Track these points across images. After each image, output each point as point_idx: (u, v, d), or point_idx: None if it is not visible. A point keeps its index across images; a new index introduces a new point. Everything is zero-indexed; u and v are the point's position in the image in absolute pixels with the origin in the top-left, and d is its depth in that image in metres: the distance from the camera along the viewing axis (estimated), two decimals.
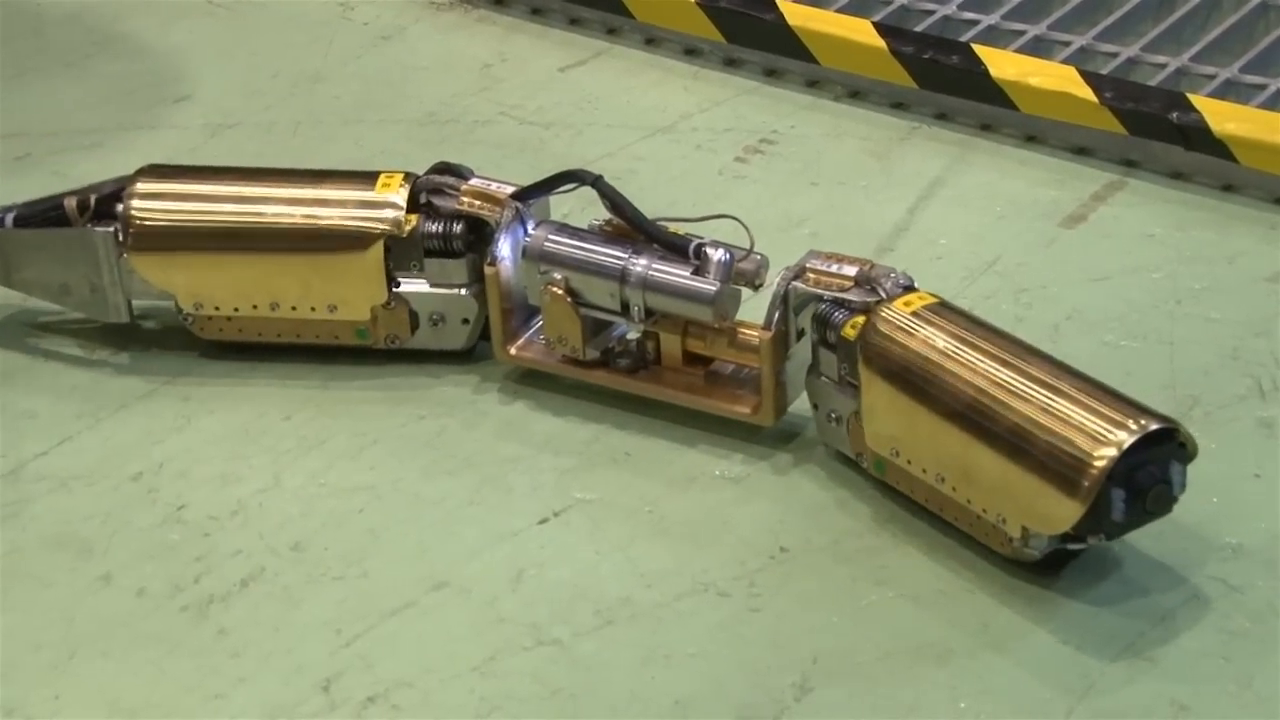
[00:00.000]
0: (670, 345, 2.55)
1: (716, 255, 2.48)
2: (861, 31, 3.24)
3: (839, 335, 2.41)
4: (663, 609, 2.27)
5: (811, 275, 2.46)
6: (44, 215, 2.67)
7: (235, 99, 3.34)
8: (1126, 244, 2.88)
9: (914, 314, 2.37)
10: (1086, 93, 3.06)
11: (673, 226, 2.53)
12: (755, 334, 2.48)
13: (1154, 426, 2.20)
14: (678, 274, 2.49)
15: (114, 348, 2.72)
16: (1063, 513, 2.19)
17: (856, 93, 3.28)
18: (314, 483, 2.48)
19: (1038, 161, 3.09)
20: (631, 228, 2.54)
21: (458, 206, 2.62)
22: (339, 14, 3.59)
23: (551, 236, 2.56)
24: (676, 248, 2.51)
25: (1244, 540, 2.32)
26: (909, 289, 2.43)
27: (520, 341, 2.63)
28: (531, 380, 2.63)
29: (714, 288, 2.47)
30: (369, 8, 3.59)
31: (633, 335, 2.59)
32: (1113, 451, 2.18)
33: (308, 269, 2.62)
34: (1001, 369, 2.29)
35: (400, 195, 2.62)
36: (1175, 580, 2.27)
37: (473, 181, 2.64)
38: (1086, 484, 2.17)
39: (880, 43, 3.22)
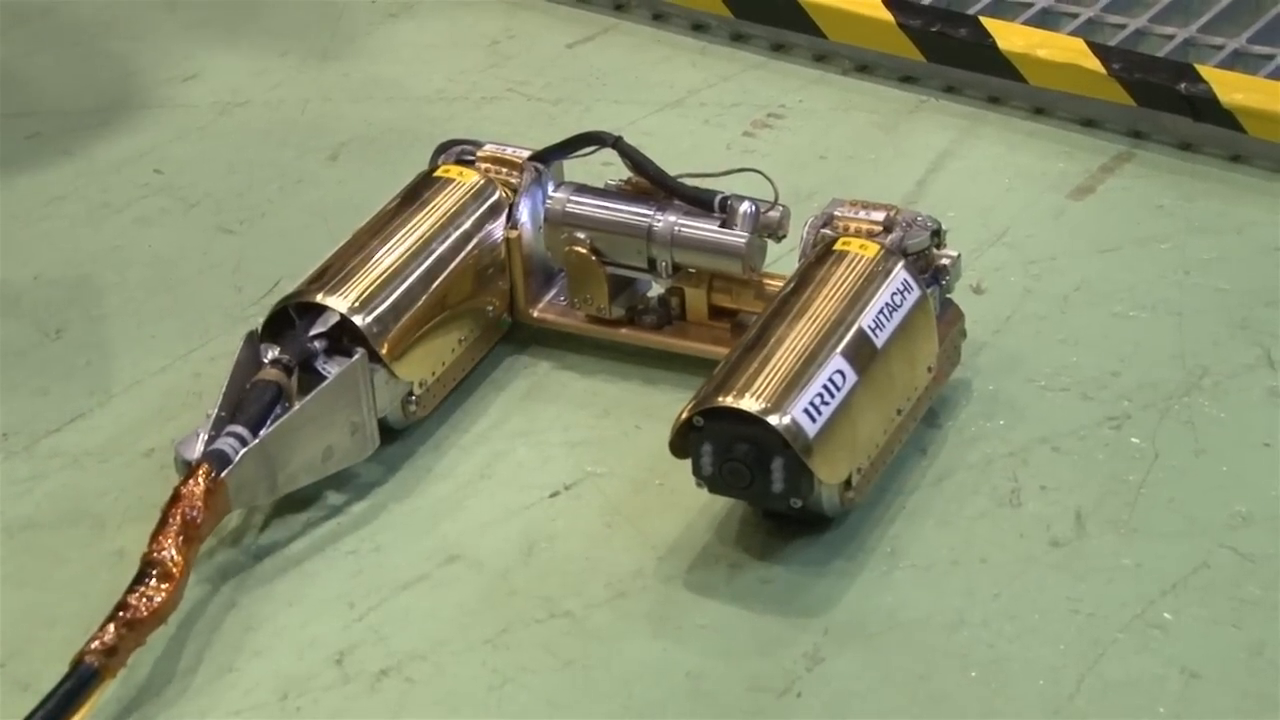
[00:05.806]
0: (695, 300, 2.56)
1: (743, 208, 2.49)
2: (869, 5, 3.24)
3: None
4: (674, 581, 2.28)
5: (840, 222, 2.48)
6: (265, 402, 2.31)
7: (243, 77, 3.34)
8: (1135, 215, 2.88)
9: (832, 252, 2.41)
10: (1095, 64, 3.05)
11: (693, 183, 2.54)
12: (784, 283, 2.49)
13: (750, 409, 2.20)
14: (705, 228, 2.50)
15: (127, 326, 2.73)
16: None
17: (864, 66, 3.28)
18: None
19: (1046, 134, 3.09)
20: (654, 185, 2.55)
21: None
22: None
23: (573, 198, 2.57)
24: (702, 202, 2.52)
25: (1253, 508, 2.32)
26: (935, 233, 2.45)
27: (542, 304, 2.64)
28: (549, 344, 2.64)
29: (744, 239, 2.48)
30: None
31: (654, 292, 2.60)
32: (706, 405, 2.22)
33: (480, 279, 2.55)
34: (780, 319, 2.32)
35: (476, 172, 2.61)
36: (1185, 549, 2.27)
37: (487, 147, 2.65)
38: (677, 420, 2.24)
39: (888, 16, 3.22)
